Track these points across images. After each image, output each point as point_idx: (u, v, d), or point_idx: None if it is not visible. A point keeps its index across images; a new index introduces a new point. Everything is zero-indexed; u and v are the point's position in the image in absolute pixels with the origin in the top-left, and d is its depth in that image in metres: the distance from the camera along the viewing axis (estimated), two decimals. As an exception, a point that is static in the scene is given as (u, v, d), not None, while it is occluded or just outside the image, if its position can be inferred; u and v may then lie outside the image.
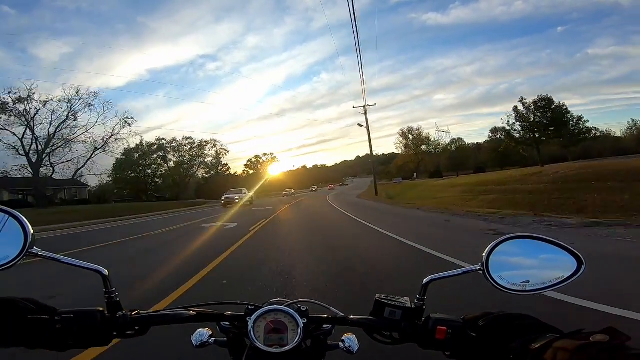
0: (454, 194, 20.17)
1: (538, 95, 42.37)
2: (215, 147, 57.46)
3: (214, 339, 0.59)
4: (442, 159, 68.60)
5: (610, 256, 4.11)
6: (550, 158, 42.65)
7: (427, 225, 8.65)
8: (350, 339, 0.58)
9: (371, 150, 33.61)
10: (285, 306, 0.56)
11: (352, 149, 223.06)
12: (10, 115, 28.26)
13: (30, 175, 30.57)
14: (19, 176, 31.61)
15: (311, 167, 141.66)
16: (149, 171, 50.74)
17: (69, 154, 32.19)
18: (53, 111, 30.38)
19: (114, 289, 0.55)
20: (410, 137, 68.98)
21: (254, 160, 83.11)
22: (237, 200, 23.83)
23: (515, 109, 43.27)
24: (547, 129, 41.07)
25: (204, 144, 56.19)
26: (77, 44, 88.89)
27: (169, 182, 51.40)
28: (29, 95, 28.61)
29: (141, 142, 46.13)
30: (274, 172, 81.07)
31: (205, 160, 57.27)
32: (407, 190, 30.99)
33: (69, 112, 31.20)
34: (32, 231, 0.52)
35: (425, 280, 0.57)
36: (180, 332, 0.73)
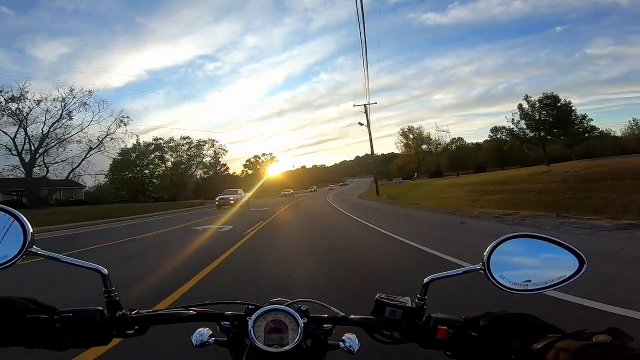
0: (458, 193, 20.11)
1: (543, 93, 42.38)
2: (213, 146, 57.59)
3: (214, 338, 0.59)
4: (443, 159, 68.88)
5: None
6: (553, 157, 42.63)
7: (442, 229, 7.97)
8: (350, 339, 0.59)
9: (372, 149, 33.63)
10: (286, 306, 0.56)
11: (351, 149, 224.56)
12: (3, 115, 28.36)
13: (23, 176, 30.59)
14: (11, 177, 31.63)
15: (310, 167, 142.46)
16: (147, 171, 50.77)
17: (63, 153, 32.32)
18: (47, 110, 30.50)
19: (114, 288, 0.56)
20: (411, 136, 69.27)
21: (253, 160, 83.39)
22: (232, 202, 23.34)
23: (520, 107, 43.24)
24: (553, 127, 41.10)
25: (202, 143, 56.30)
26: (76, 44, 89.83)
27: (166, 183, 51.37)
28: (22, 94, 28.70)
29: (137, 141, 46.27)
30: (273, 172, 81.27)
31: (204, 160, 57.37)
32: (409, 190, 30.99)
33: (62, 111, 31.31)
34: (31, 230, 0.52)
35: (426, 280, 0.57)
36: (180, 332, 0.74)
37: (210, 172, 58.83)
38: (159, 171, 52.37)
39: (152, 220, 17.65)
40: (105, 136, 34.66)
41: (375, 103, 30.26)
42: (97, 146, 34.28)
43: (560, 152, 48.07)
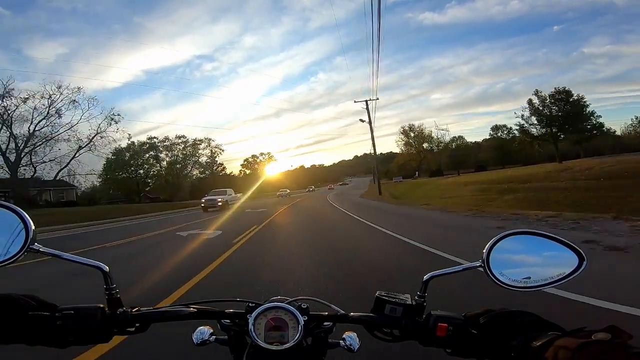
0: (467, 192, 19.92)
1: (555, 88, 42.34)
2: (209, 146, 57.69)
3: (214, 336, 0.61)
4: (443, 157, 69.03)
5: None
6: (561, 154, 42.55)
7: (480, 236, 6.34)
8: (351, 337, 0.61)
9: (374, 146, 33.67)
10: (286, 303, 0.58)
11: (350, 148, 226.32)
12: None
13: (8, 176, 30.55)
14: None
15: (309, 166, 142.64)
16: (141, 171, 50.76)
17: (51, 153, 32.24)
18: (35, 108, 30.47)
19: (115, 285, 0.58)
20: (412, 134, 69.42)
21: (250, 160, 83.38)
22: (219, 203, 21.78)
23: (530, 102, 43.16)
24: (565, 124, 41.01)
25: (198, 142, 56.38)
26: (73, 44, 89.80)
27: (161, 183, 51.31)
28: (6, 92, 28.66)
29: (131, 140, 46.16)
30: (271, 172, 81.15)
31: (200, 160, 57.43)
32: (413, 189, 30.96)
33: (49, 109, 31.26)
34: (33, 227, 0.54)
35: (425, 277, 0.59)
36: (181, 330, 0.76)
37: (206, 172, 58.86)
38: (153, 171, 52.41)
39: (138, 223, 17.23)
40: (96, 134, 34.72)
41: (377, 99, 30.15)
42: (87, 145, 34.31)
43: (567, 150, 48.02)
